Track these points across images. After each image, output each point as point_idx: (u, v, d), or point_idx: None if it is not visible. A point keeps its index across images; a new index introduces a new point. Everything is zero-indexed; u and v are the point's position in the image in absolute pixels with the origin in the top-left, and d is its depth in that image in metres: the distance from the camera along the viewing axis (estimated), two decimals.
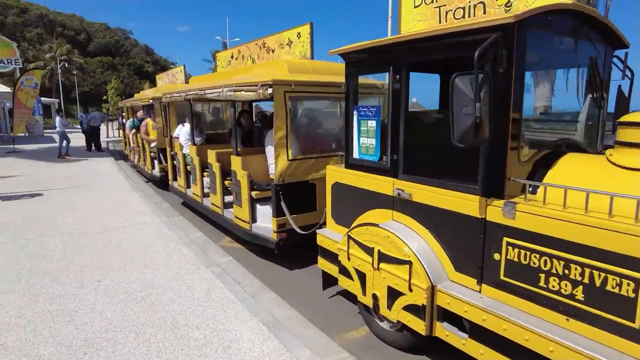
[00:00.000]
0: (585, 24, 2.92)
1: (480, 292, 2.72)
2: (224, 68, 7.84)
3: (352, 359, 3.09)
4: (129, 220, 6.66)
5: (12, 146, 17.84)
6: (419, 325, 2.94)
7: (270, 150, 5.19)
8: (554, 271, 2.28)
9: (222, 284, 4.17)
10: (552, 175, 2.64)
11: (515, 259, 2.47)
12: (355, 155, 3.66)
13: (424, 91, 5.35)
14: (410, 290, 2.97)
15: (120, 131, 23.06)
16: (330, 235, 3.95)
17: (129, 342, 3.13)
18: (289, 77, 4.66)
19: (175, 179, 8.27)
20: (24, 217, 6.82)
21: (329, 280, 4.07)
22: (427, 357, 3.24)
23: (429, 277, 2.87)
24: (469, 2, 3.31)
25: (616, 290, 2.03)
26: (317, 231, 4.12)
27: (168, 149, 8.53)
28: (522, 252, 2.42)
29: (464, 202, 2.73)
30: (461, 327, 2.81)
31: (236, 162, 5.31)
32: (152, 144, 10.07)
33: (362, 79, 3.87)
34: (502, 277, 2.57)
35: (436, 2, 3.59)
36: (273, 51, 6.19)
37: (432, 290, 2.87)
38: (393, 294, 3.12)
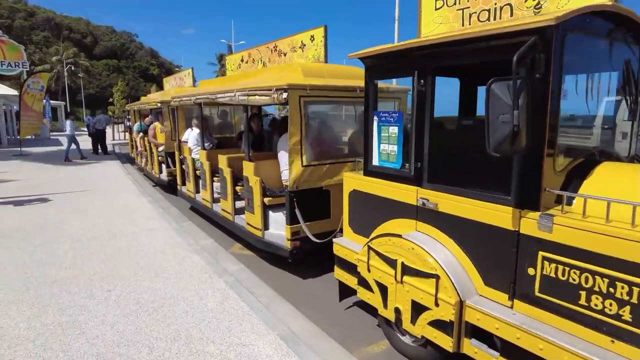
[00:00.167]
0: (622, 26, 2.79)
1: (512, 307, 2.59)
2: (234, 71, 7.73)
3: None
4: (138, 226, 6.56)
5: (19, 149, 17.83)
6: (445, 342, 2.81)
7: (283, 155, 5.07)
8: (596, 289, 2.14)
9: (235, 294, 4.05)
10: (588, 185, 2.50)
11: (552, 275, 2.33)
12: (375, 162, 3.53)
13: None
14: (437, 305, 2.83)
15: (126, 134, 23.08)
16: (348, 244, 3.82)
17: (142, 358, 3.01)
18: (303, 81, 4.54)
19: (184, 183, 8.17)
20: (32, 222, 6.74)
21: (345, 291, 3.94)
22: None
23: (457, 291, 2.73)
24: (495, 4, 3.18)
25: None
26: (334, 240, 3.99)
27: (177, 153, 8.43)
28: (560, 267, 2.29)
29: (495, 214, 2.60)
30: (491, 344, 2.67)
31: (248, 168, 5.20)
32: (160, 148, 9.99)
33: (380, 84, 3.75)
34: (537, 293, 2.43)
35: (459, 4, 3.46)
36: (285, 54, 6.08)
37: (461, 306, 2.73)
38: (417, 308, 2.99)
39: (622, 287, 2.04)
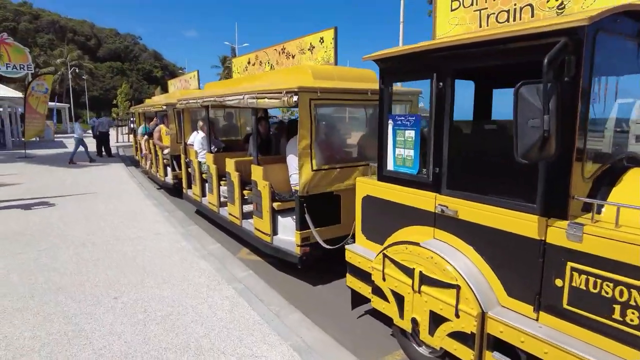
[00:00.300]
0: None
1: (537, 320, 2.47)
2: (240, 74, 7.65)
3: None
4: (144, 230, 6.47)
5: (24, 151, 17.82)
6: (466, 355, 2.70)
7: (292, 159, 4.98)
8: (632, 303, 2.03)
9: (245, 302, 3.94)
10: (618, 193, 2.39)
11: (582, 287, 2.22)
12: (390, 167, 3.43)
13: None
14: (457, 316, 2.72)
15: (131, 136, 23.06)
16: (361, 252, 3.72)
17: None
18: (314, 84, 4.45)
19: (189, 186, 8.08)
20: (36, 225, 6.66)
21: (358, 299, 3.84)
22: None
23: (479, 303, 2.62)
24: (515, 4, 3.09)
25: None
26: (346, 247, 3.89)
27: (182, 156, 8.35)
28: (592, 279, 2.17)
29: (519, 222, 2.49)
30: (514, 358, 2.56)
31: (257, 172, 5.10)
32: (166, 151, 9.92)
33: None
34: (565, 306, 2.32)
35: (476, 5, 3.37)
36: (293, 57, 5.99)
37: (483, 317, 2.62)
38: (436, 319, 2.88)
39: None
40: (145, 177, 12.45)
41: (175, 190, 9.55)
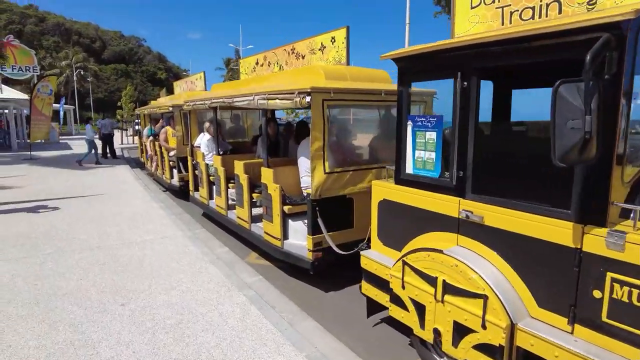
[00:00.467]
0: None
1: (572, 333, 2.33)
2: (248, 75, 7.54)
3: None
4: (150, 234, 6.36)
5: (29, 153, 17.79)
6: None
7: (303, 161, 4.85)
8: None
9: (257, 309, 3.81)
10: None
11: (625, 299, 2.07)
12: (409, 170, 3.29)
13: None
14: (484, 327, 2.58)
15: (135, 138, 23.03)
16: (378, 258, 3.57)
17: None
18: (326, 84, 4.32)
19: (196, 189, 7.97)
20: (42, 229, 6.56)
21: (373, 307, 3.70)
22: None
23: (507, 313, 2.48)
24: (541, 1, 2.95)
25: None
26: (361, 253, 3.75)
27: (189, 158, 8.23)
28: (635, 291, 2.03)
29: (552, 229, 2.35)
30: None
31: (267, 175, 4.97)
32: (172, 153, 9.82)
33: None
34: (604, 319, 2.17)
35: (498, 2, 3.23)
36: (303, 57, 5.87)
37: (512, 329, 2.48)
38: (460, 330, 2.74)
39: None
40: (151, 179, 12.36)
41: (181, 193, 9.44)
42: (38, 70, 23.06)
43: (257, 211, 5.85)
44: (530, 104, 4.47)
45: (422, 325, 3.02)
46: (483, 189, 2.75)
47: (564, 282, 2.33)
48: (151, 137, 12.25)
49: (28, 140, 19.38)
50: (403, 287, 3.14)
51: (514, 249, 2.58)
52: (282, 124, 9.20)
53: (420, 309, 3.02)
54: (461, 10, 3.54)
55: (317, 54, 5.59)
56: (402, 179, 3.36)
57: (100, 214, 7.65)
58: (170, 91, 17.61)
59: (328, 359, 3.08)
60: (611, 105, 2.06)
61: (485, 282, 2.58)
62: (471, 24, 3.46)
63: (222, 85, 8.24)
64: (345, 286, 4.64)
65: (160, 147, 10.61)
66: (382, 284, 3.47)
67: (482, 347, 2.61)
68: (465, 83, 2.77)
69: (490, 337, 2.55)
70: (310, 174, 4.37)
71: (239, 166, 5.75)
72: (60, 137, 29.78)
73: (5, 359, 3.04)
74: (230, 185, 6.33)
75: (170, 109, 9.56)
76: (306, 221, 4.60)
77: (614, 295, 2.11)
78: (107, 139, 17.89)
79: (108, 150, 18.01)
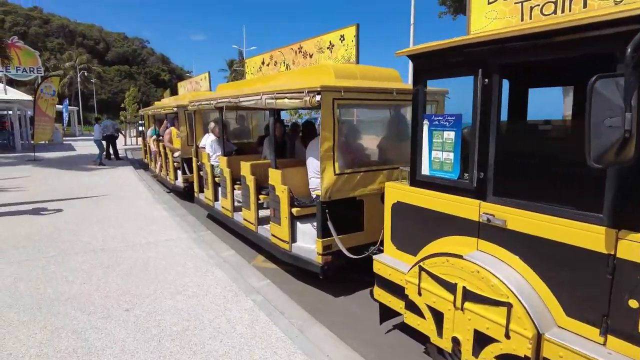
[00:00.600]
0: None
1: (605, 345, 2.19)
2: (254, 75, 7.42)
3: None
4: (155, 236, 6.25)
5: (33, 154, 17.75)
6: None
7: (312, 162, 4.73)
8: None
9: (265, 316, 3.68)
10: None
11: None
12: (425, 171, 3.16)
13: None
14: (508, 337, 2.44)
15: (139, 139, 22.96)
16: (391, 263, 3.44)
17: None
18: (336, 83, 4.20)
19: (201, 190, 7.85)
20: (45, 231, 6.46)
21: (386, 313, 3.57)
22: None
23: (534, 323, 2.34)
24: None
25: None
26: (374, 257, 3.62)
27: (194, 159, 8.12)
28: None
29: (582, 234, 2.21)
30: None
31: (275, 176, 4.85)
32: (176, 154, 9.71)
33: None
34: None
35: None
36: (311, 56, 5.74)
37: (539, 339, 2.34)
38: (482, 340, 2.60)
39: None
40: (155, 180, 12.26)
41: (185, 194, 9.34)
42: (42, 72, 23.07)
43: (263, 213, 5.73)
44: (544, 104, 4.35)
45: (440, 334, 2.89)
46: (506, 191, 2.62)
47: (595, 290, 2.19)
48: (154, 136, 12.17)
49: (32, 142, 19.35)
50: (419, 294, 3.01)
51: (539, 254, 2.44)
52: (286, 125, 9.09)
53: (438, 316, 2.89)
54: (477, 6, 3.41)
55: (325, 53, 5.46)
56: (417, 181, 3.23)
57: (103, 215, 7.55)
58: (173, 92, 17.53)
59: None
60: None
61: (509, 289, 2.45)
62: (488, 20, 3.33)
63: (228, 85, 8.13)
64: (355, 290, 4.51)
65: (164, 148, 10.51)
66: (396, 289, 3.34)
67: (505, 358, 2.47)
68: (487, 80, 2.64)
69: (514, 348, 2.41)
70: (319, 175, 4.24)
71: (245, 167, 5.63)
72: (64, 139, 29.78)
73: None
74: (236, 186, 6.21)
75: (175, 109, 9.46)
76: (315, 224, 4.48)
77: None
78: (110, 140, 17.81)
79: (111, 152, 17.95)
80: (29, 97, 21.41)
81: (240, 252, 5.68)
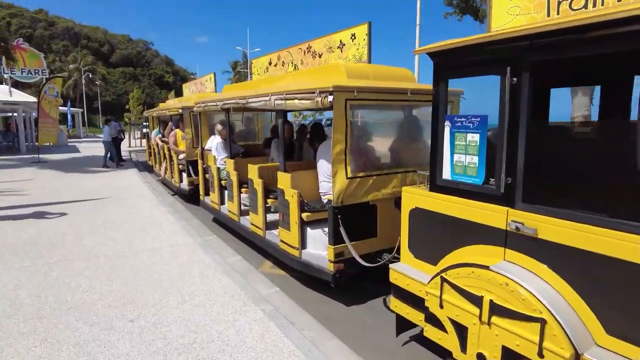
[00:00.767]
0: None
1: None
2: (261, 75, 7.27)
3: None
4: (159, 241, 6.09)
5: (37, 156, 17.69)
6: None
7: (323, 165, 4.56)
8: None
9: (276, 327, 3.51)
10: None
11: None
12: (447, 175, 2.98)
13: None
14: (541, 356, 2.26)
15: (143, 141, 22.87)
16: (409, 272, 3.26)
17: None
18: (348, 83, 4.03)
19: (207, 193, 7.69)
20: (48, 236, 6.32)
21: (403, 324, 3.40)
22: None
23: (571, 342, 2.16)
24: None
25: None
26: (391, 266, 3.44)
27: (200, 161, 7.97)
28: None
29: (625, 245, 2.03)
30: None
31: (284, 180, 4.68)
32: (181, 156, 9.57)
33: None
34: None
35: None
36: (320, 56, 5.58)
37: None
38: (510, 357, 2.43)
39: None
40: (158, 181, 12.13)
41: (190, 197, 9.19)
42: (47, 74, 23.04)
43: (271, 217, 5.57)
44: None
45: (464, 349, 2.71)
46: (537, 198, 2.44)
47: None
48: (159, 136, 12.04)
49: (36, 143, 19.30)
50: (441, 306, 2.83)
51: (575, 267, 2.26)
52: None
53: (462, 330, 2.71)
54: (499, 3, 3.25)
55: (335, 52, 5.30)
56: (438, 186, 3.05)
57: (107, 218, 7.41)
58: (178, 94, 17.43)
59: None
60: None
61: (542, 304, 2.27)
62: (511, 16, 3.16)
63: (234, 86, 7.97)
64: (368, 299, 4.33)
65: (169, 151, 10.37)
66: (415, 301, 3.17)
67: None
68: (515, 79, 2.46)
69: None
70: (330, 178, 4.07)
71: (253, 170, 5.47)
72: (68, 140, 29.77)
73: None
74: (243, 190, 6.05)
75: (180, 111, 9.32)
76: (326, 229, 4.31)
77: None
78: (114, 142, 17.68)
79: (116, 154, 17.83)
80: (34, 99, 21.38)
81: (247, 258, 5.52)
